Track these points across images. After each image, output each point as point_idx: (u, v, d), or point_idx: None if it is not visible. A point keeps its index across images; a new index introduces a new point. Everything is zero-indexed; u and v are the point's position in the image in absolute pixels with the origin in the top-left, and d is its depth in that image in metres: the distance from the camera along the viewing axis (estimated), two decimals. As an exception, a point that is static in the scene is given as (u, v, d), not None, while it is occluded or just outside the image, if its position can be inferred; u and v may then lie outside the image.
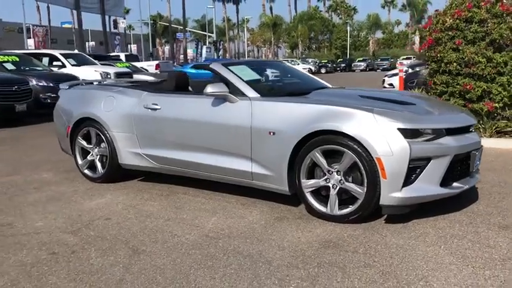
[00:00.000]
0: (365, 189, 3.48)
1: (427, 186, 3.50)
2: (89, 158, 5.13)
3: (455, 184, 3.69)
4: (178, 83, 4.94)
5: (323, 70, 50.14)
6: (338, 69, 56.06)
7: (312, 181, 3.75)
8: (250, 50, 72.84)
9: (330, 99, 4.03)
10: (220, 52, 51.41)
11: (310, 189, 3.77)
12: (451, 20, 6.95)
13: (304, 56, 65.27)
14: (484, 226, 3.53)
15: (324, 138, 3.61)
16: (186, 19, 73.21)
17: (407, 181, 3.43)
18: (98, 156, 5.07)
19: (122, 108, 4.79)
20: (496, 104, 6.72)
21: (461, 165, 3.73)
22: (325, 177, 3.69)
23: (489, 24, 6.71)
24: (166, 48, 76.72)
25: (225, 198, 4.41)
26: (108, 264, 3.05)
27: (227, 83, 4.18)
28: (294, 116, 3.76)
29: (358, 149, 3.45)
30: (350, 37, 72.61)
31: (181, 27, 57.81)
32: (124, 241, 3.43)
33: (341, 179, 3.62)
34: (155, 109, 4.56)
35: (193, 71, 27.26)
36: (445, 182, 3.59)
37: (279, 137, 3.80)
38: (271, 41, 68.84)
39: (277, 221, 3.78)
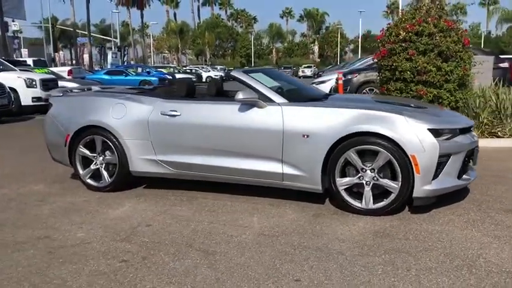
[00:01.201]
0: (399, 183, 3.91)
1: (449, 179, 4.03)
2: (93, 167, 4.99)
3: (464, 176, 4.26)
4: (189, 90, 5.03)
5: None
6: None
7: (347, 179, 4.10)
8: (149, 56, 71.35)
9: (352, 104, 4.40)
10: (126, 58, 49.92)
11: (345, 187, 4.11)
12: (404, 33, 7.74)
13: (210, 63, 65.66)
14: (492, 211, 4.13)
15: (359, 139, 3.97)
16: (84, 23, 69.98)
17: (435, 175, 3.92)
18: (104, 165, 4.96)
19: (134, 116, 4.75)
20: (445, 108, 7.60)
21: (468, 160, 4.32)
22: (359, 175, 4.06)
23: (437, 37, 7.59)
24: (62, 53, 72.65)
25: (249, 200, 4.58)
26: (191, 266, 3.12)
27: (253, 90, 4.39)
28: (328, 119, 4.08)
29: (393, 148, 3.87)
30: (254, 45, 74.63)
31: (82, 32, 55.27)
32: (186, 244, 3.49)
33: (374, 176, 4.01)
34: (174, 115, 4.60)
35: (107, 77, 26.50)
36: (459, 175, 4.14)
37: (313, 139, 4.10)
38: (178, 47, 68.34)
39: (316, 217, 4.06)
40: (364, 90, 12.69)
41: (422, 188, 3.88)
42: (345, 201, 4.11)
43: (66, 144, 5.04)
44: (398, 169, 3.89)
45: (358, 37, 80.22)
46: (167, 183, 5.06)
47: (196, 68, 44.19)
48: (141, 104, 4.80)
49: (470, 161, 4.40)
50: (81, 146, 4.99)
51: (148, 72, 29.66)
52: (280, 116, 4.24)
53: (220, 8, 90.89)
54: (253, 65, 69.36)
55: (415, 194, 3.91)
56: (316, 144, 4.09)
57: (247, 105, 4.37)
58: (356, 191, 4.14)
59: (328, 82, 15.44)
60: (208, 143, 4.51)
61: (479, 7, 76.97)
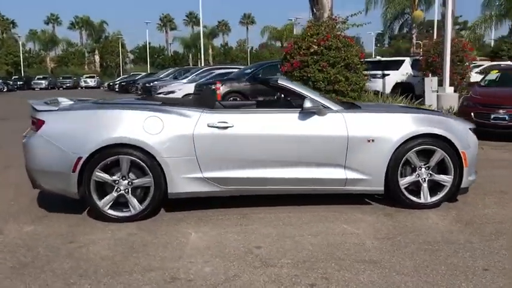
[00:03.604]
0: (452, 177, 4.48)
1: (474, 169, 4.80)
2: (114, 193, 4.15)
3: (471, 168, 5.11)
4: (213, 99, 4.66)
5: (5, 88, 44.49)
6: (15, 87, 50.43)
7: (407, 178, 4.47)
8: None
9: (392, 109, 4.79)
10: None
11: (405, 186, 4.47)
12: (316, 47, 8.47)
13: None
14: (495, 193, 5.05)
15: (419, 141, 4.40)
16: None
17: (472, 168, 4.65)
18: (130, 190, 4.17)
19: (175, 130, 4.16)
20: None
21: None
22: (416, 173, 4.48)
23: (343, 51, 8.56)
24: None
25: (301, 210, 4.49)
26: (382, 275, 3.08)
27: (309, 98, 4.38)
28: (392, 124, 4.40)
29: (447, 146, 4.42)
30: (22, 53, 66.74)
31: None
32: (333, 258, 3.36)
33: (429, 173, 4.49)
34: (226, 127, 4.22)
35: None
36: (473, 168, 4.98)
37: (379, 143, 4.34)
38: None
39: (392, 217, 4.30)
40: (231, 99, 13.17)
41: (468, 179, 4.54)
42: (407, 198, 4.47)
43: (75, 170, 4.05)
44: (451, 164, 4.44)
45: (138, 48, 79.93)
46: (182, 205, 4.53)
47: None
48: (181, 116, 4.23)
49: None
50: (98, 170, 4.09)
51: None
52: (343, 123, 4.35)
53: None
54: (22, 74, 61.89)
55: (463, 185, 4.54)
56: (381, 148, 4.35)
57: (306, 113, 4.34)
58: (411, 189, 4.54)
59: (178, 92, 15.46)
60: (267, 154, 4.29)
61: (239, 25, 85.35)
